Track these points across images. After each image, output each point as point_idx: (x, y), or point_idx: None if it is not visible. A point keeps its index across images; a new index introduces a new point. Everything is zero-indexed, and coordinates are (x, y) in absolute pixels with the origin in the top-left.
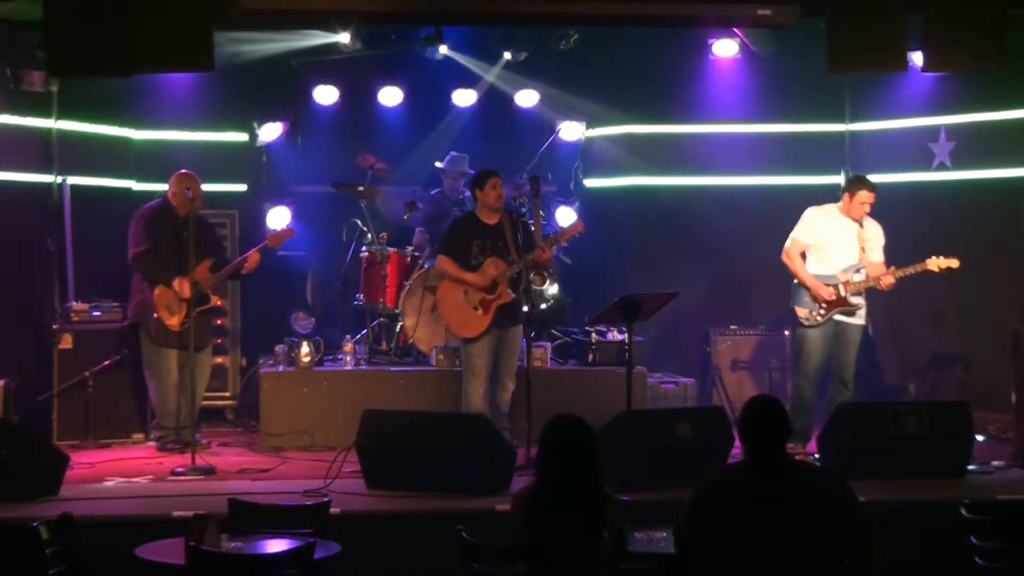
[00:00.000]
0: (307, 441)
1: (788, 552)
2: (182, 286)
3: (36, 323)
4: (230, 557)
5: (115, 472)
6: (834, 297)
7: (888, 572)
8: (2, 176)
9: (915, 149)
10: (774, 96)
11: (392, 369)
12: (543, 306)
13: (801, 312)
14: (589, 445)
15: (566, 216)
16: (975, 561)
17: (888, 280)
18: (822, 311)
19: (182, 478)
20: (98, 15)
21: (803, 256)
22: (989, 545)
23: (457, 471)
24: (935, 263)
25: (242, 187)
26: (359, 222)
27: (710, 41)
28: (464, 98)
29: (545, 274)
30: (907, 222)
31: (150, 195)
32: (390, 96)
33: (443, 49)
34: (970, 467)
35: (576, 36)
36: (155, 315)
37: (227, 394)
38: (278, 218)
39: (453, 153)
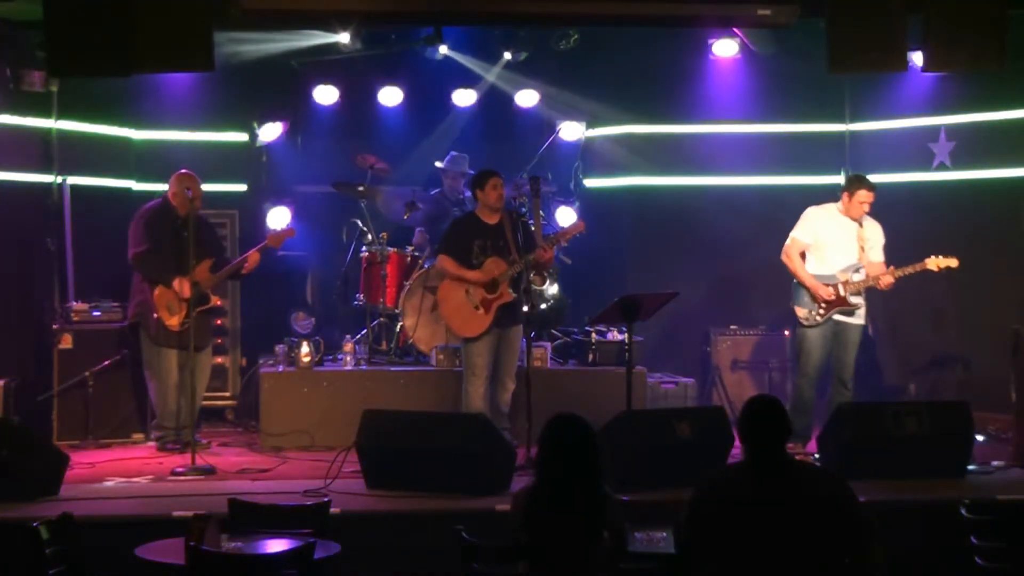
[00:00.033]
0: (307, 441)
1: (788, 552)
2: (182, 286)
3: (36, 323)
4: (230, 557)
5: (115, 472)
6: (833, 297)
7: (888, 572)
8: (2, 176)
9: (915, 149)
10: (774, 96)
11: (392, 369)
12: (543, 306)
13: (800, 312)
14: (589, 445)
15: (566, 216)
16: (975, 561)
17: (887, 280)
18: (821, 311)
19: (182, 478)
20: (98, 15)
21: (803, 256)
22: (989, 545)
23: (457, 471)
24: (934, 263)
25: (242, 187)
26: (359, 222)
27: (710, 41)
28: (464, 98)
29: (545, 274)
30: (907, 222)
31: (150, 195)
32: (390, 96)
33: (443, 49)
34: (970, 467)
35: (576, 36)
36: (155, 315)
37: (227, 394)
38: (278, 218)
39: (453, 153)
